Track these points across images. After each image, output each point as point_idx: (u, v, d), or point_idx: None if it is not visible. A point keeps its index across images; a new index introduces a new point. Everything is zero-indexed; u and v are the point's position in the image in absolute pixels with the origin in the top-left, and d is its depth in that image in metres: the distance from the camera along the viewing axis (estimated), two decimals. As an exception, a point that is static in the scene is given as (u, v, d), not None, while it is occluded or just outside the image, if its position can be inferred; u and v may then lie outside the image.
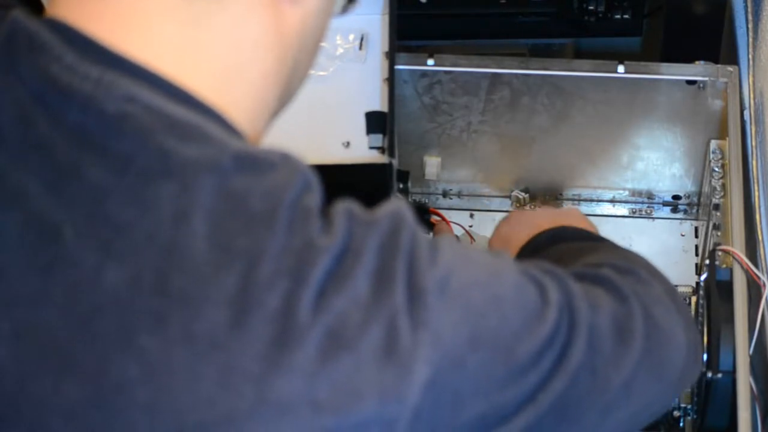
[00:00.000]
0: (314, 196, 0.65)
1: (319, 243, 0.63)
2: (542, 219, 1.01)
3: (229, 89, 0.67)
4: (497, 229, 1.09)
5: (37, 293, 0.62)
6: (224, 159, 0.63)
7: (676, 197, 1.32)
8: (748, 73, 1.23)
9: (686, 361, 0.79)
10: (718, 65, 1.23)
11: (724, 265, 1.09)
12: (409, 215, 0.67)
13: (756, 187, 1.17)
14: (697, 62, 1.23)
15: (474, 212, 1.33)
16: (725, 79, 1.21)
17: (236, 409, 0.61)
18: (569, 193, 1.33)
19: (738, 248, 1.09)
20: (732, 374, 1.01)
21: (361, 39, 1.21)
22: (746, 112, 1.21)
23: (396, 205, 0.67)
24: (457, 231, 1.26)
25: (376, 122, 1.10)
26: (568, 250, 0.88)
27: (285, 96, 0.73)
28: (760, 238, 1.13)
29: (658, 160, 1.30)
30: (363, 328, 0.62)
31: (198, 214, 0.62)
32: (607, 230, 1.31)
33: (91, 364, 0.61)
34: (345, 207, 0.66)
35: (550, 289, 0.70)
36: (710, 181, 1.20)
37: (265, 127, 0.72)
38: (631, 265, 0.81)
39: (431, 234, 1.20)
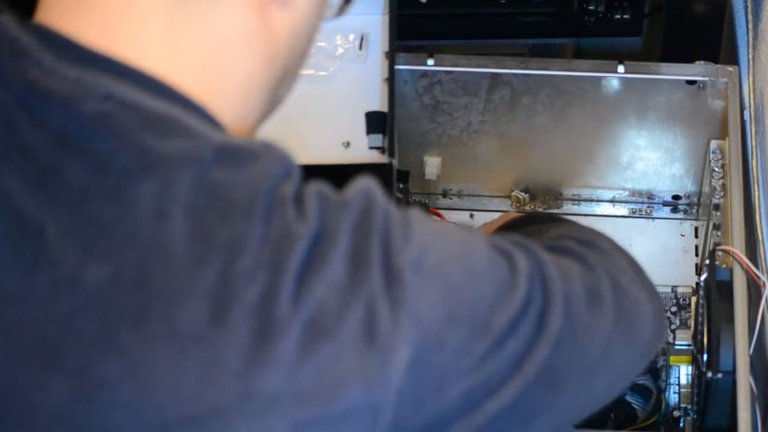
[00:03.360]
0: (291, 184, 0.65)
1: (295, 230, 0.63)
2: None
3: (213, 85, 0.67)
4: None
5: (22, 291, 0.62)
6: (204, 152, 0.64)
7: (676, 197, 1.32)
8: (748, 73, 1.23)
9: (654, 329, 0.80)
10: (718, 65, 1.23)
11: (724, 265, 1.09)
12: (379, 193, 0.67)
13: (756, 187, 1.17)
14: (697, 62, 1.23)
15: (474, 212, 1.33)
16: (725, 79, 1.21)
17: (220, 403, 0.61)
18: (569, 193, 1.33)
19: (738, 248, 1.09)
20: (732, 374, 1.01)
21: (361, 39, 1.21)
22: (746, 112, 1.21)
23: (365, 183, 0.67)
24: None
25: (376, 122, 1.10)
26: (537, 229, 0.89)
27: (275, 97, 0.73)
28: (760, 238, 1.13)
29: (658, 160, 1.30)
30: (342, 314, 0.63)
31: (177, 209, 0.62)
32: (607, 230, 1.30)
33: (76, 361, 0.62)
34: (316, 189, 0.66)
35: (519, 259, 0.70)
36: (710, 181, 1.20)
37: (254, 128, 0.72)
38: (593, 239, 0.82)
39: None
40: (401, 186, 1.18)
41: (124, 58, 0.65)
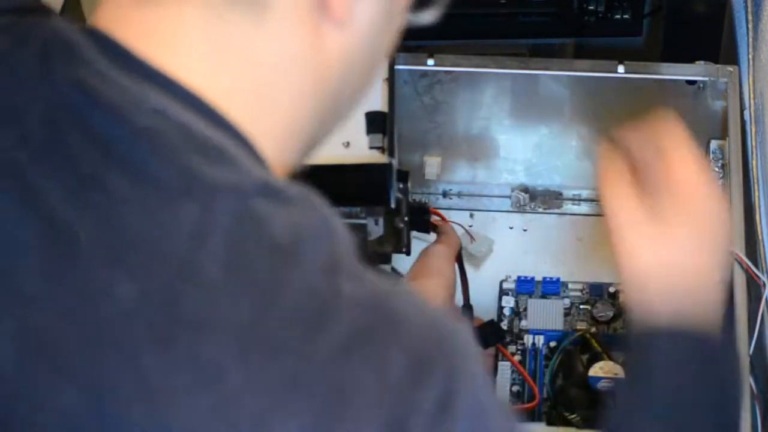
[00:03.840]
0: (340, 244, 0.63)
1: (344, 298, 0.60)
2: None
3: (257, 113, 0.65)
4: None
5: (47, 298, 0.61)
6: (247, 184, 0.62)
7: (676, 197, 1.32)
8: (748, 73, 1.23)
9: None
10: (718, 65, 1.23)
11: (724, 265, 1.09)
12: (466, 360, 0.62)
13: (756, 187, 1.17)
14: (697, 62, 1.23)
15: (474, 212, 1.33)
16: (725, 79, 1.21)
17: None
18: (569, 193, 1.33)
19: (738, 248, 1.09)
20: (732, 374, 1.01)
21: (361, 39, 1.21)
22: (746, 112, 1.21)
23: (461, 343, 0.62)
24: (457, 231, 1.26)
25: (375, 122, 1.10)
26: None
27: (321, 131, 0.70)
28: (760, 238, 1.13)
29: (658, 160, 1.30)
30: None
31: (218, 236, 0.60)
32: (607, 230, 1.31)
33: (92, 374, 0.60)
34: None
35: None
36: (710, 181, 1.20)
37: (298, 158, 0.69)
38: None
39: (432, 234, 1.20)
40: (401, 186, 1.17)
41: (173, 75, 0.63)
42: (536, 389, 1.16)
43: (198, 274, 0.60)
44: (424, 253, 1.13)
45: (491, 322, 1.19)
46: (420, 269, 1.11)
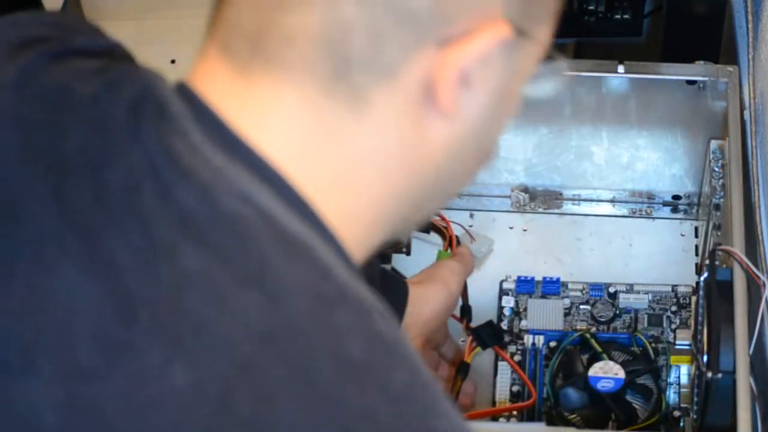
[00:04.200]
0: (405, 369, 0.59)
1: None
2: None
3: (349, 203, 0.63)
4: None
5: (98, 370, 0.57)
6: (326, 288, 0.59)
7: (676, 197, 1.32)
8: (748, 73, 1.23)
9: None
10: (718, 65, 1.23)
11: (725, 265, 1.09)
12: None
13: (756, 187, 1.17)
14: (697, 62, 1.23)
15: (474, 212, 1.33)
16: (725, 79, 1.21)
17: None
18: (569, 193, 1.33)
19: (738, 248, 1.09)
20: (732, 374, 1.01)
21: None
22: (746, 112, 1.21)
23: None
24: (457, 231, 1.26)
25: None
26: None
27: (422, 210, 0.68)
28: (760, 238, 1.13)
29: (658, 160, 1.30)
30: None
31: (285, 337, 0.57)
32: (607, 230, 1.31)
33: None
34: None
35: None
36: (710, 181, 1.20)
37: (387, 238, 0.67)
38: None
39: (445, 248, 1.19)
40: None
41: (266, 157, 0.61)
42: (532, 387, 1.16)
43: (260, 374, 0.56)
44: (436, 263, 1.14)
45: (490, 323, 1.19)
46: (426, 275, 1.11)
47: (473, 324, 1.18)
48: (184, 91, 0.63)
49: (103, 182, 0.60)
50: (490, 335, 1.18)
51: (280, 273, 0.58)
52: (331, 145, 0.62)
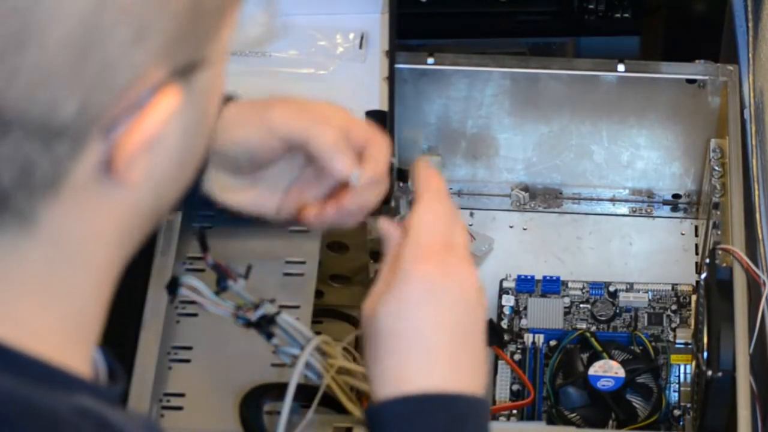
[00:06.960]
0: None
1: None
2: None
3: (61, 312, 0.59)
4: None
5: None
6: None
7: (676, 196, 1.32)
8: (748, 72, 1.23)
9: None
10: (718, 64, 1.23)
11: (724, 264, 1.09)
12: None
13: (756, 186, 1.17)
14: (697, 61, 1.23)
15: (474, 211, 1.33)
16: (725, 78, 1.21)
17: None
18: (569, 192, 1.33)
19: (738, 247, 1.09)
20: (732, 373, 1.01)
21: (361, 38, 1.21)
22: (746, 111, 1.21)
23: None
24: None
25: (376, 121, 1.10)
26: None
27: (149, 226, 0.63)
28: (760, 236, 1.13)
29: (658, 159, 1.30)
30: None
31: None
32: (607, 229, 1.31)
33: None
34: None
35: None
36: (710, 179, 1.20)
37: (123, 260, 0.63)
38: None
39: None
40: (401, 185, 1.17)
41: None
42: (530, 386, 1.16)
43: None
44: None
45: (490, 322, 1.19)
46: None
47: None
48: None
49: None
50: (490, 335, 1.18)
51: None
52: (17, 277, 0.58)
